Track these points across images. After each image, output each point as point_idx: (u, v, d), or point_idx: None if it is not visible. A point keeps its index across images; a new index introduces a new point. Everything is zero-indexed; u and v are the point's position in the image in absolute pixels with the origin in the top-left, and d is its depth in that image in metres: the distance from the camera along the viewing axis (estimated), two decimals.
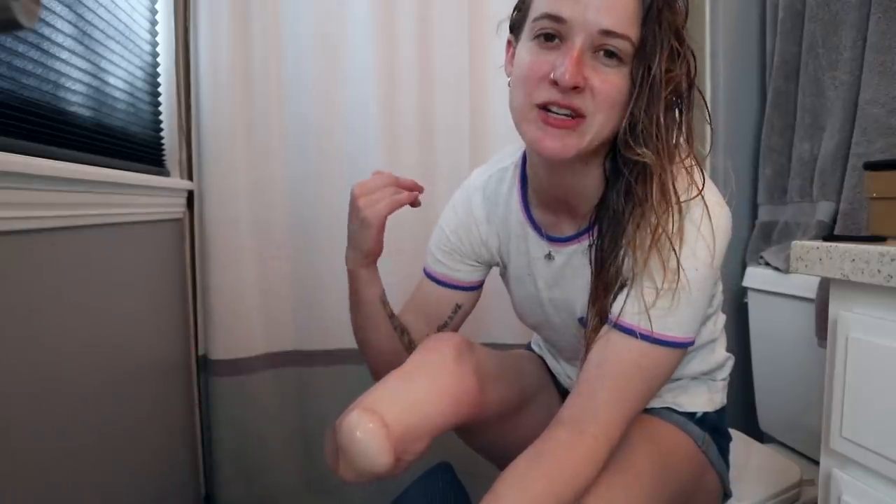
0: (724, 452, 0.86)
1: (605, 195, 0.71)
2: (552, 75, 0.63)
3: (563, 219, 0.78)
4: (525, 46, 0.67)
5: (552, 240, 0.79)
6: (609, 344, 0.67)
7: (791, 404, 1.22)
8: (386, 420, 0.63)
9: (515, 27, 0.72)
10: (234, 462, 1.35)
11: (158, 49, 1.24)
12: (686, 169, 0.66)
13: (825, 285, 1.03)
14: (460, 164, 1.38)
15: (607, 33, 0.62)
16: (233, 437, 1.34)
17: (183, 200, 1.30)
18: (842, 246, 0.63)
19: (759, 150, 1.41)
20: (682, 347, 0.67)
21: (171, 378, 1.21)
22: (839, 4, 1.16)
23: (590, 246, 0.72)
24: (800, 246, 0.69)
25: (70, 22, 0.85)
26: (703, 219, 0.65)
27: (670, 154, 0.65)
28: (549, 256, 0.80)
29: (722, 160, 1.41)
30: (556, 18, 0.63)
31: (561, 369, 0.95)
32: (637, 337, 0.65)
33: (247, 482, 1.36)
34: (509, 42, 0.74)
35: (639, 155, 0.64)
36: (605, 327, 0.69)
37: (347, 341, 1.37)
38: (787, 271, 1.19)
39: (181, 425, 1.26)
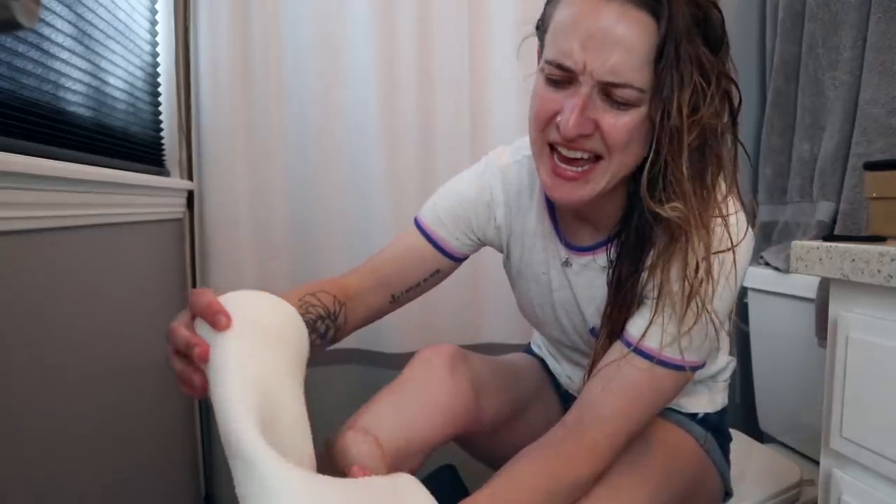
0: (725, 452, 0.86)
1: (628, 214, 0.70)
2: (557, 119, 0.62)
3: (583, 228, 0.77)
4: (539, 77, 0.66)
5: (570, 247, 0.78)
6: (621, 362, 0.66)
7: (791, 404, 1.22)
8: (380, 440, 0.64)
9: (538, 30, 0.70)
10: None
11: (158, 49, 1.24)
12: (723, 217, 0.62)
13: (825, 285, 1.03)
14: (460, 164, 1.37)
15: (611, 84, 0.59)
16: None
17: (183, 200, 1.30)
18: (842, 246, 0.63)
19: (759, 150, 1.41)
20: (694, 370, 0.68)
21: (171, 378, 1.21)
22: (839, 4, 1.16)
23: (609, 262, 0.71)
24: (800, 246, 0.69)
25: (70, 22, 0.85)
26: (728, 245, 0.63)
27: (702, 204, 0.61)
28: (566, 263, 0.78)
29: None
30: (561, 67, 0.61)
31: (561, 370, 0.95)
32: (652, 360, 0.65)
33: None
34: (539, 51, 0.71)
35: (664, 210, 0.61)
36: (619, 344, 0.68)
37: (347, 341, 1.37)
38: (787, 271, 1.19)
39: (181, 425, 1.26)
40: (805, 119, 1.26)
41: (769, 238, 1.35)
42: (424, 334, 1.36)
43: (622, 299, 0.68)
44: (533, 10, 0.72)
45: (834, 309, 0.67)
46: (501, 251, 0.87)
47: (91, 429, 0.84)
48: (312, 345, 0.70)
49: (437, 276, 0.84)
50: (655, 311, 0.65)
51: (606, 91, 0.60)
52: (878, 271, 0.58)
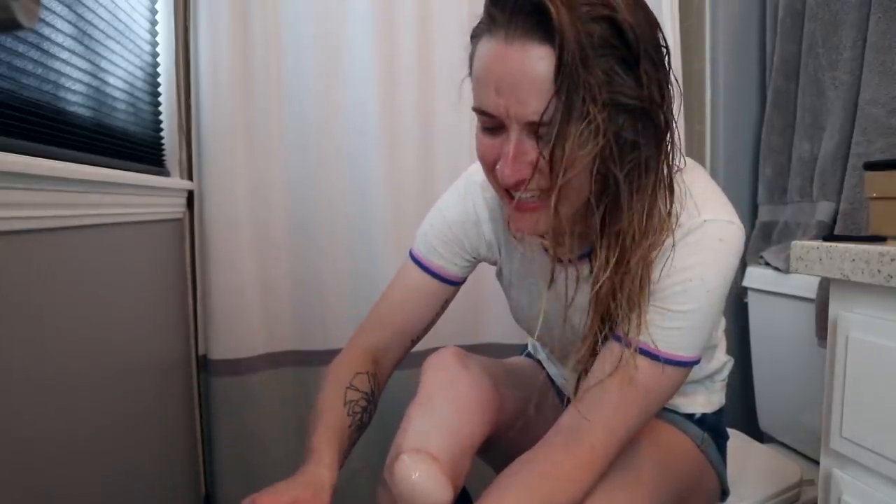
0: (722, 451, 0.86)
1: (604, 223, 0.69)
2: (497, 172, 0.61)
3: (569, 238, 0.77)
4: (477, 126, 0.64)
5: (557, 258, 0.78)
6: (613, 360, 0.66)
7: (791, 404, 1.22)
8: (433, 454, 0.64)
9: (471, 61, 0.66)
10: (234, 462, 1.35)
11: (158, 49, 1.24)
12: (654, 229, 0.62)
13: (825, 285, 1.03)
14: (460, 164, 1.38)
15: (536, 123, 0.57)
16: (233, 437, 1.34)
17: (183, 200, 1.30)
18: (842, 246, 0.63)
19: (759, 149, 1.41)
20: (689, 366, 0.67)
21: (171, 378, 1.21)
22: (839, 4, 1.16)
23: (591, 270, 0.71)
24: (800, 246, 0.69)
25: (70, 22, 0.85)
26: (716, 240, 0.63)
27: (614, 232, 0.62)
28: (549, 276, 0.79)
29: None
30: (485, 114, 0.60)
31: (557, 372, 0.95)
32: (645, 356, 0.64)
33: (247, 482, 1.36)
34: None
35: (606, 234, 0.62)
36: (611, 342, 0.68)
37: (347, 341, 1.37)
38: (787, 271, 1.19)
39: (181, 425, 1.26)
40: (805, 119, 1.26)
41: (769, 238, 1.35)
42: None
43: (607, 305, 0.67)
44: None
45: (834, 309, 0.68)
46: (495, 265, 0.88)
47: (91, 429, 0.84)
48: (359, 431, 0.75)
49: (446, 305, 0.87)
50: (643, 303, 0.65)
51: (534, 130, 0.58)
52: (878, 271, 0.58)
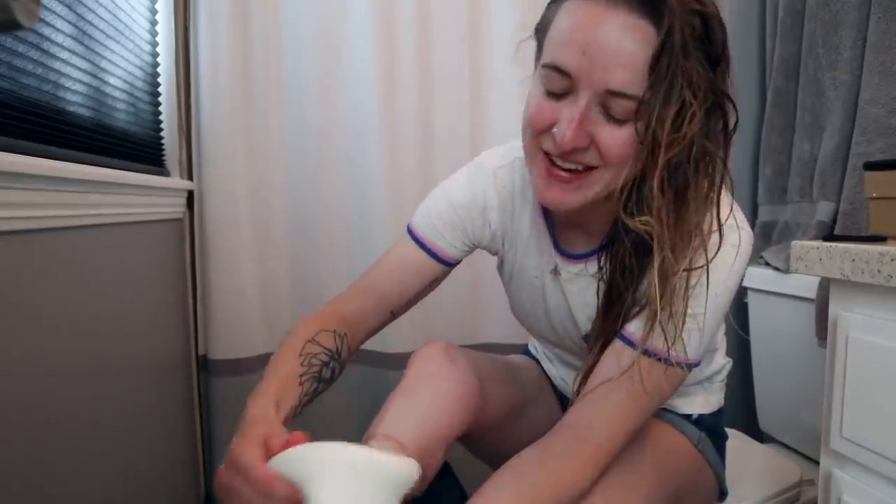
0: (720, 451, 0.86)
1: (619, 223, 0.68)
2: (554, 130, 0.60)
3: (577, 235, 0.76)
4: (536, 83, 0.64)
5: (564, 254, 0.77)
6: (620, 360, 0.66)
7: (791, 404, 1.22)
8: (402, 442, 0.64)
9: (537, 33, 0.68)
10: None
11: (158, 49, 1.24)
12: (702, 234, 0.61)
13: (825, 285, 1.03)
14: (460, 164, 1.36)
15: (614, 94, 0.58)
16: (233, 438, 1.34)
17: (183, 200, 1.30)
18: (842, 246, 0.63)
19: (759, 149, 1.41)
20: (690, 368, 0.67)
21: (171, 378, 1.21)
22: (839, 4, 1.16)
23: (599, 269, 0.71)
24: (800, 246, 0.69)
25: (70, 22, 0.85)
26: (728, 245, 0.63)
27: (678, 220, 0.60)
28: (556, 271, 0.78)
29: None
30: (561, 72, 0.59)
31: (556, 373, 0.95)
32: (650, 357, 0.64)
33: None
34: (536, 57, 0.69)
35: (634, 224, 0.60)
36: (617, 342, 0.67)
37: None
38: (787, 271, 1.19)
39: (181, 425, 1.26)
40: (805, 119, 1.26)
41: (769, 238, 1.35)
42: (424, 334, 1.36)
43: (616, 308, 0.68)
44: (532, 11, 0.72)
45: (834, 309, 0.68)
46: (496, 255, 0.87)
47: (91, 429, 0.84)
48: (316, 393, 0.71)
49: (433, 285, 0.84)
50: (649, 304, 0.64)
51: (605, 103, 0.59)
52: (878, 271, 0.58)
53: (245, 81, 1.30)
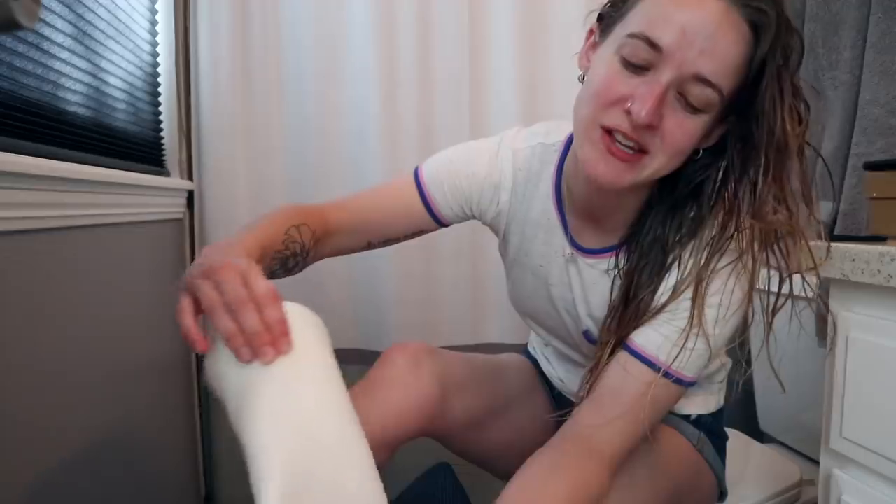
0: (720, 451, 0.86)
1: (643, 221, 0.69)
2: (628, 104, 0.59)
3: (588, 228, 0.75)
4: (607, 57, 0.62)
5: (576, 246, 0.76)
6: (630, 373, 0.66)
7: (791, 404, 1.22)
8: None
9: (605, 22, 0.65)
10: (234, 462, 1.34)
11: (158, 49, 1.24)
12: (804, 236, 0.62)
13: (825, 285, 1.03)
14: None
15: (701, 80, 0.57)
16: (233, 437, 1.33)
17: (183, 200, 1.30)
18: (842, 246, 0.63)
19: None
20: (691, 385, 0.68)
21: (171, 378, 1.21)
22: (839, 4, 1.16)
23: (616, 269, 0.70)
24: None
25: (70, 22, 0.85)
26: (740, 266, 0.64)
27: (796, 221, 0.61)
28: (570, 259, 0.77)
29: None
30: (653, 45, 0.57)
31: (554, 372, 0.94)
32: (660, 373, 0.64)
33: (247, 482, 1.35)
34: (591, 31, 0.67)
35: (778, 222, 0.60)
36: (625, 354, 0.67)
37: (347, 341, 1.37)
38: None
39: (181, 425, 1.26)
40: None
41: None
42: (424, 334, 1.36)
43: (632, 311, 0.67)
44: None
45: (834, 309, 0.67)
46: (498, 235, 0.85)
47: (91, 429, 0.84)
48: (272, 276, 0.70)
49: (417, 234, 0.83)
50: (662, 317, 0.65)
51: (685, 88, 0.58)
52: (878, 271, 0.58)
53: (245, 81, 1.30)
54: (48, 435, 0.73)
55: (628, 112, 0.59)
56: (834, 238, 0.68)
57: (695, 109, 0.59)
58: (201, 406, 1.36)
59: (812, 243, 0.63)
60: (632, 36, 0.59)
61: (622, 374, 0.66)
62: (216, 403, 1.33)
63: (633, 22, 0.60)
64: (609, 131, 0.61)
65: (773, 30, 0.57)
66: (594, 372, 0.69)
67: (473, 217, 0.83)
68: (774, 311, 0.64)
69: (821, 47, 1.20)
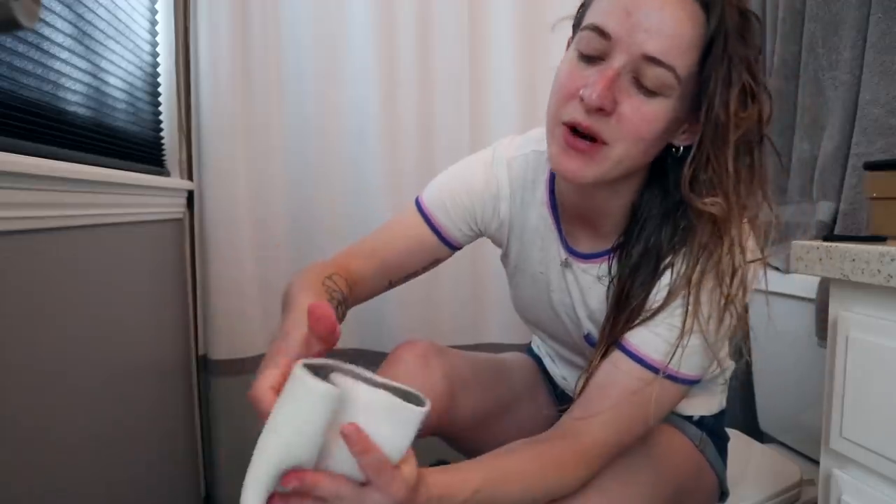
0: (721, 452, 0.86)
1: (634, 226, 0.68)
2: (581, 92, 0.59)
3: (583, 233, 0.75)
4: (568, 56, 0.64)
5: (571, 251, 0.77)
6: (619, 369, 0.65)
7: (791, 404, 1.22)
8: None
9: (575, 28, 0.67)
10: (234, 462, 1.35)
11: (158, 49, 1.24)
12: (753, 227, 0.62)
13: (825, 285, 1.03)
14: None
15: (651, 60, 0.57)
16: (233, 437, 1.34)
17: (183, 200, 1.30)
18: (842, 246, 0.63)
19: None
20: (693, 384, 0.67)
21: (171, 378, 1.21)
22: (839, 4, 1.16)
23: (609, 273, 0.70)
24: (800, 246, 0.69)
25: (70, 22, 0.85)
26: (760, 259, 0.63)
27: (741, 206, 0.60)
28: (566, 264, 0.77)
29: None
30: (601, 32, 0.59)
31: (557, 371, 0.95)
32: (655, 373, 0.64)
33: None
34: (570, 42, 0.69)
35: (706, 205, 0.59)
36: (617, 352, 0.67)
37: (347, 341, 1.37)
38: (787, 271, 1.19)
39: (181, 425, 1.26)
40: (805, 119, 1.25)
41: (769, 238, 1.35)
42: (425, 333, 1.36)
43: (627, 313, 0.67)
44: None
45: (834, 309, 0.67)
46: (500, 246, 0.86)
47: (91, 429, 0.84)
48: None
49: (434, 264, 0.83)
50: (658, 317, 0.64)
51: (639, 70, 0.58)
52: (878, 271, 0.58)
53: (245, 81, 1.30)
54: (48, 435, 0.73)
55: (581, 99, 0.59)
56: (834, 238, 0.68)
57: (650, 92, 0.59)
58: (201, 406, 1.36)
59: (813, 243, 0.63)
60: (584, 28, 0.61)
61: (611, 370, 0.66)
62: (216, 403, 1.33)
63: (589, 16, 0.62)
64: (569, 126, 0.62)
65: (720, 9, 0.57)
66: (588, 371, 0.69)
67: (481, 233, 0.83)
68: (728, 301, 0.62)
69: (821, 47, 1.20)
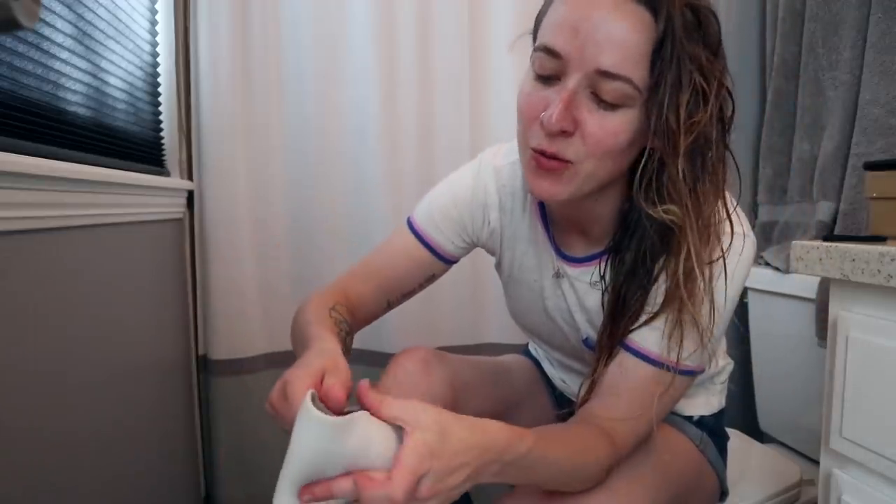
0: (722, 451, 0.86)
1: (625, 230, 0.68)
2: (541, 117, 0.59)
3: (576, 238, 0.75)
4: (527, 77, 0.63)
5: (564, 256, 0.77)
6: (628, 370, 0.66)
7: (791, 404, 1.22)
8: None
9: (534, 36, 0.67)
10: (234, 462, 1.35)
11: (158, 49, 1.24)
12: (714, 228, 0.61)
13: (825, 285, 1.03)
14: (460, 165, 1.37)
15: (605, 74, 0.56)
16: (233, 437, 1.34)
17: (183, 200, 1.30)
18: (842, 246, 0.63)
19: (759, 149, 1.41)
20: (697, 375, 0.67)
21: (171, 378, 1.21)
22: (839, 4, 1.16)
23: (601, 277, 0.70)
24: (800, 246, 0.69)
25: (70, 22, 0.85)
26: (735, 254, 0.63)
27: (698, 210, 0.60)
28: (558, 273, 0.77)
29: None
30: (552, 52, 0.58)
31: (556, 373, 0.95)
32: (660, 367, 0.64)
33: (247, 482, 1.36)
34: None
35: (658, 213, 0.59)
36: (622, 352, 0.67)
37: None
38: (787, 271, 1.19)
39: (181, 425, 1.26)
40: (805, 119, 1.26)
41: (769, 238, 1.35)
42: (425, 334, 1.36)
43: (624, 316, 0.67)
44: (533, 11, 0.71)
45: (834, 309, 0.67)
46: (493, 254, 0.86)
47: (91, 429, 0.84)
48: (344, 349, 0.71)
49: (431, 280, 0.84)
50: (657, 313, 0.64)
51: (595, 85, 0.57)
52: (878, 271, 0.58)
53: (245, 81, 1.30)
54: (48, 435, 0.73)
55: (542, 124, 0.59)
56: (834, 238, 0.68)
57: (611, 106, 0.58)
58: (201, 406, 1.36)
59: (813, 243, 0.63)
60: (536, 50, 0.61)
61: (622, 371, 0.66)
62: (216, 404, 1.33)
63: (540, 36, 0.62)
64: (537, 152, 0.62)
65: (666, 9, 0.56)
66: (592, 378, 0.69)
67: (474, 244, 0.84)
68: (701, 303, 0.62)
69: (821, 47, 1.21)
